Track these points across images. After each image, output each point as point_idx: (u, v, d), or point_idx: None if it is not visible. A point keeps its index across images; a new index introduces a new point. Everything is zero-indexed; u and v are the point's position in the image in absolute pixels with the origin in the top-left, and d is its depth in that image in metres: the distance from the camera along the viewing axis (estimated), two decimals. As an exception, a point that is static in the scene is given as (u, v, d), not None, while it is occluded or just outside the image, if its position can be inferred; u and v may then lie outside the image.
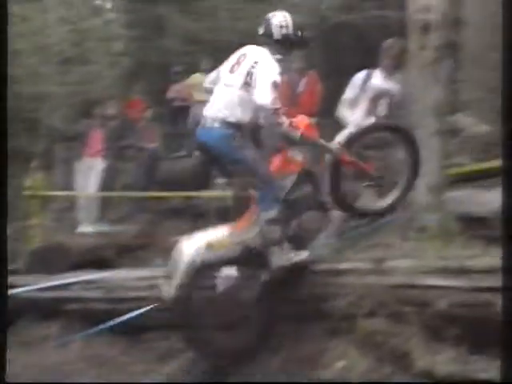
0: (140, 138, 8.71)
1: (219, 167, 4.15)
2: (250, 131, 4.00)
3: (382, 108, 5.27)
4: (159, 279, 3.97)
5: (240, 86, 3.91)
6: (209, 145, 3.94)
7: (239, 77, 3.94)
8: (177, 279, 3.80)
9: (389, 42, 5.56)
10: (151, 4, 12.42)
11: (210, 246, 3.84)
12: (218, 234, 3.95)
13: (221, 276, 3.86)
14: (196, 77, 10.09)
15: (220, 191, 8.24)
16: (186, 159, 9.53)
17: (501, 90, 3.12)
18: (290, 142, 3.94)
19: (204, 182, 8.82)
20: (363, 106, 5.28)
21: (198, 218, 7.89)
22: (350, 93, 5.40)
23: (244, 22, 12.19)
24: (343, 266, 3.92)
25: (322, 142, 3.98)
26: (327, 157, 4.08)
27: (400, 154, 4.22)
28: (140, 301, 4.29)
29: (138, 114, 9.06)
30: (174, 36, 12.28)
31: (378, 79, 5.37)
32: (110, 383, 3.90)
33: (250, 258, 3.89)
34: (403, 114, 5.18)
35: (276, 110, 3.78)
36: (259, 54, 3.97)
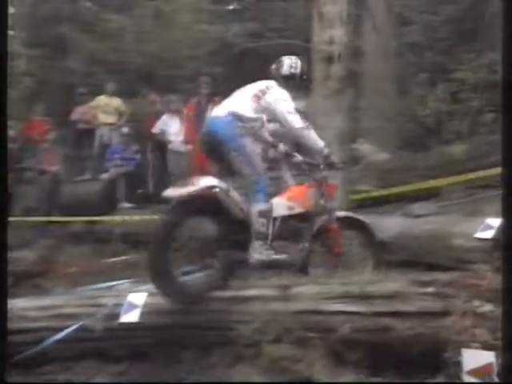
0: (41, 161, 8.41)
1: (219, 158, 4.40)
2: (253, 127, 4.40)
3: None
4: None
5: (252, 95, 4.46)
6: (214, 131, 4.35)
7: (251, 89, 4.52)
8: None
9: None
10: (53, 22, 12.11)
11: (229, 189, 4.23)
12: None
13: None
14: (101, 99, 9.91)
15: (125, 216, 8.09)
16: (91, 183, 9.30)
17: (501, 89, 3.23)
18: (314, 179, 4.51)
19: (109, 207, 8.62)
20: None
21: (102, 243, 7.69)
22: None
23: (151, 45, 12.15)
24: (248, 292, 3.93)
25: (331, 207, 4.51)
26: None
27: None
28: (41, 332, 4.11)
29: (40, 136, 8.77)
30: (77, 56, 12.02)
31: None
32: (118, 383, 3.75)
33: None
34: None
35: (304, 127, 4.36)
36: (270, 82, 4.55)
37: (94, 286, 5.15)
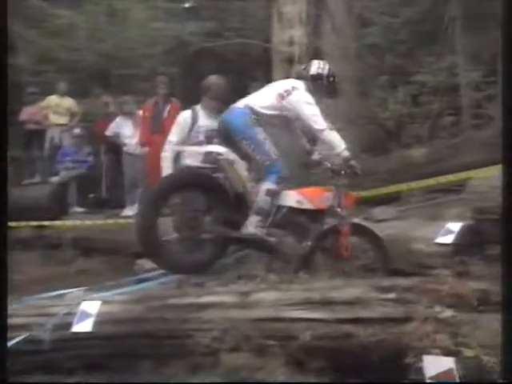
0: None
1: (233, 146, 4.68)
2: (268, 122, 4.70)
3: None
4: None
5: (276, 93, 4.77)
6: (228, 122, 4.72)
7: (277, 87, 4.85)
8: None
9: (209, 79, 5.46)
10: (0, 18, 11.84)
11: (234, 161, 4.59)
12: None
13: None
14: (52, 99, 9.75)
15: (76, 221, 7.97)
16: (40, 186, 9.14)
17: (501, 90, 3.27)
18: (334, 185, 4.70)
19: (59, 211, 8.48)
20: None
21: (52, 249, 7.56)
22: (176, 136, 5.31)
23: (104, 43, 12.02)
24: (207, 299, 3.91)
25: (344, 212, 4.64)
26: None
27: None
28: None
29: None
30: (26, 53, 11.80)
31: (206, 119, 5.33)
32: (113, 383, 3.70)
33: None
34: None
35: (327, 129, 4.59)
36: (296, 83, 4.83)
37: (44, 295, 5.05)
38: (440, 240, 4.90)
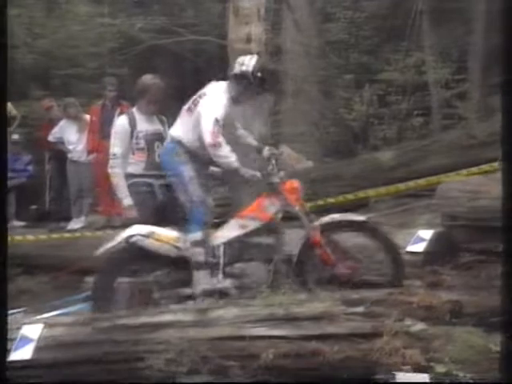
0: None
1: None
2: (195, 152, 4.73)
3: (159, 152, 5.17)
4: None
5: (186, 109, 4.80)
6: (160, 159, 4.95)
7: (188, 102, 4.83)
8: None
9: (144, 81, 5.34)
10: None
11: (150, 233, 4.57)
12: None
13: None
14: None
15: (16, 236, 7.82)
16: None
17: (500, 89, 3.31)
18: (269, 188, 4.64)
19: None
20: (139, 156, 5.17)
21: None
22: (118, 148, 5.20)
23: (43, 40, 11.85)
24: (162, 318, 3.88)
25: (301, 211, 4.56)
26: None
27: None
28: None
29: None
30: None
31: (144, 123, 5.26)
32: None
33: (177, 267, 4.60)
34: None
35: (214, 145, 4.52)
36: (211, 87, 4.80)
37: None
38: (411, 248, 4.97)
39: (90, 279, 5.94)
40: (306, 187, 7.09)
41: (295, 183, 4.72)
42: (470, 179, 5.77)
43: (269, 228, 4.64)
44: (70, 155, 8.54)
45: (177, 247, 4.59)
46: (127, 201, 5.10)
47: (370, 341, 3.28)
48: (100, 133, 7.51)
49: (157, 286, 4.61)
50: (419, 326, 3.26)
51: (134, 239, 4.56)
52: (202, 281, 4.54)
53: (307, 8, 10.62)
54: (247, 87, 4.73)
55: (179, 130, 4.81)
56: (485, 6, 8.84)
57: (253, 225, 4.60)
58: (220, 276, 4.57)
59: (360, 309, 3.46)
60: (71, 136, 8.56)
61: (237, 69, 4.77)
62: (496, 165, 6.31)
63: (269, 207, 4.63)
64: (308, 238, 4.54)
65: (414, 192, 7.10)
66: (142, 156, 5.15)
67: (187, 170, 4.68)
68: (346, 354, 3.29)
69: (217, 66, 12.70)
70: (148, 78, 5.29)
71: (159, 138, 5.21)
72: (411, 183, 7.05)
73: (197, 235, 4.60)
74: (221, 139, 4.53)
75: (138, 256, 4.63)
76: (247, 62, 4.76)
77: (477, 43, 9.01)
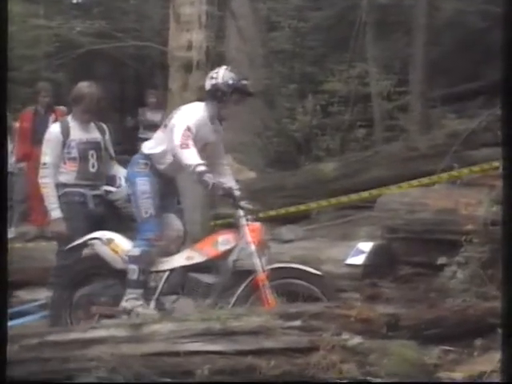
0: None
1: None
2: (157, 169, 4.72)
3: (94, 161, 5.15)
4: None
5: (162, 125, 4.84)
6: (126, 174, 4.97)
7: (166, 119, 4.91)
8: None
9: (80, 88, 5.25)
10: None
11: (109, 240, 4.63)
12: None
13: None
14: None
15: None
16: None
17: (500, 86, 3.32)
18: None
19: None
20: (70, 166, 5.11)
21: None
22: (49, 157, 5.10)
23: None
24: (94, 334, 3.83)
25: (253, 248, 4.39)
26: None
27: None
28: None
29: None
30: None
31: (78, 131, 5.16)
32: (115, 383, 3.53)
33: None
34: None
35: (181, 145, 4.44)
36: (187, 105, 4.81)
37: None
38: (350, 261, 5.05)
39: (20, 293, 5.83)
40: (247, 198, 7.19)
41: (258, 228, 4.54)
42: (409, 191, 5.89)
43: (213, 265, 4.55)
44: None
45: (123, 259, 4.59)
46: (55, 213, 5.02)
47: (306, 355, 3.31)
48: (31, 140, 7.36)
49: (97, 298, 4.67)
50: (356, 340, 3.31)
51: (92, 242, 4.66)
52: (126, 297, 4.52)
53: (251, 16, 10.69)
54: (222, 99, 4.63)
55: (150, 144, 4.81)
56: (425, 19, 9.06)
57: (197, 258, 4.54)
58: (152, 304, 4.54)
59: (297, 322, 3.50)
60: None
61: (207, 85, 4.70)
62: (435, 177, 6.49)
63: (220, 244, 4.54)
64: (252, 279, 4.43)
65: (355, 204, 7.21)
66: (73, 166, 5.08)
67: (143, 183, 4.65)
68: (283, 369, 3.31)
69: (158, 74, 12.68)
70: (84, 86, 5.20)
71: (94, 146, 5.15)
72: (354, 196, 7.15)
73: (135, 250, 4.56)
74: (190, 142, 4.45)
75: (94, 263, 4.73)
76: (215, 75, 4.69)
77: (418, 56, 9.23)
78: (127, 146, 9.80)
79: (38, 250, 6.56)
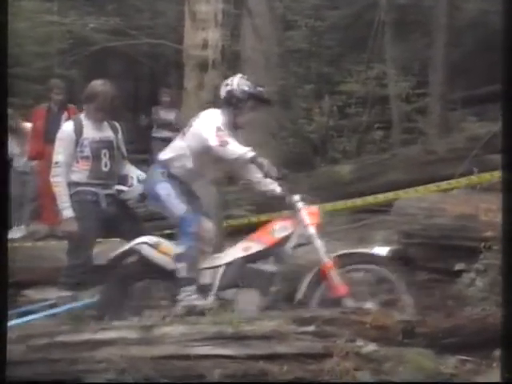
0: None
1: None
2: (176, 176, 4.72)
3: (106, 160, 5.18)
4: None
5: (180, 134, 4.84)
6: (143, 185, 5.05)
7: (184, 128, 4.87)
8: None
9: (94, 87, 5.27)
10: None
11: (156, 244, 4.63)
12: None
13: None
14: None
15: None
16: None
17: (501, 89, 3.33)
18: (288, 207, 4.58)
19: None
20: (83, 165, 5.13)
21: None
22: (62, 156, 5.13)
23: None
24: (105, 335, 3.83)
25: (312, 231, 4.41)
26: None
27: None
28: None
29: None
30: None
31: (91, 130, 5.19)
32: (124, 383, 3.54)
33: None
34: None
35: (220, 144, 4.44)
36: (203, 113, 4.79)
37: None
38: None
39: (29, 292, 5.85)
40: (260, 200, 7.18)
41: (316, 211, 4.56)
42: (426, 196, 5.86)
43: (272, 253, 4.52)
44: (14, 165, 8.34)
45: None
46: (67, 212, 5.03)
47: (320, 361, 3.30)
48: (44, 138, 7.38)
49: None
50: (370, 347, 3.30)
51: (138, 246, 4.63)
52: (181, 297, 4.49)
53: (267, 14, 10.65)
54: (238, 106, 4.66)
55: (167, 153, 4.79)
56: (446, 19, 9.02)
57: (255, 247, 4.52)
58: (211, 298, 4.52)
59: (311, 328, 3.49)
60: (14, 149, 8.28)
61: (223, 92, 4.74)
62: (454, 182, 6.45)
63: (277, 231, 4.53)
64: (319, 269, 4.41)
65: (372, 207, 7.18)
66: (86, 164, 5.10)
67: (164, 187, 4.66)
68: (295, 375, 3.31)
69: (172, 72, 12.71)
70: (97, 84, 5.23)
71: (107, 145, 5.17)
72: (370, 198, 7.12)
73: (180, 248, 4.54)
74: (227, 138, 4.47)
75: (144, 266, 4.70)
76: (230, 82, 4.74)
77: (438, 57, 9.18)
78: (140, 145, 9.85)
79: (48, 249, 6.58)
